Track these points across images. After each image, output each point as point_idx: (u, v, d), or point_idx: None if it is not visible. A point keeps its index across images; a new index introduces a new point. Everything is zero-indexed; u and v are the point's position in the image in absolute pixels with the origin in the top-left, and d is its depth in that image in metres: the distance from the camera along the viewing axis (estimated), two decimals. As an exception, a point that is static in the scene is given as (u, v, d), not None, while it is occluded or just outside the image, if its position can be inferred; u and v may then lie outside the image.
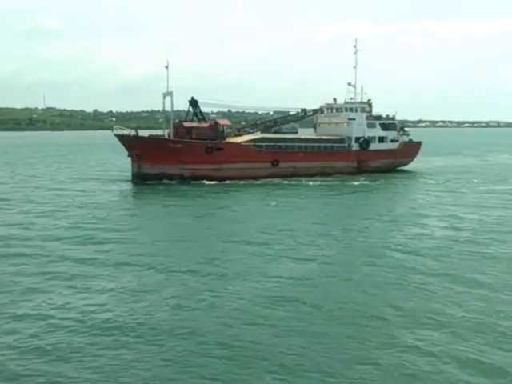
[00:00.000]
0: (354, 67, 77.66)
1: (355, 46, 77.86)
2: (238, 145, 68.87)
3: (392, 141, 78.52)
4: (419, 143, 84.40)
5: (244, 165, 67.03)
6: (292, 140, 73.01)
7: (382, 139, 77.44)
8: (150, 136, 69.57)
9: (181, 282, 25.28)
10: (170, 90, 68.01)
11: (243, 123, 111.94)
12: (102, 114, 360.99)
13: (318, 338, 18.77)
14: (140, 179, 64.72)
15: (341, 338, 18.88)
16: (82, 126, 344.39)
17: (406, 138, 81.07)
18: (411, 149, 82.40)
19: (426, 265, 28.13)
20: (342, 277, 26.13)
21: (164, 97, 68.97)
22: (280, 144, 71.00)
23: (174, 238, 35.25)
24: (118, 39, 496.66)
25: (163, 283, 25.17)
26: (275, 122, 79.68)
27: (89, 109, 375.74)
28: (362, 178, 68.30)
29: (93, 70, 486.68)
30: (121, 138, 66.55)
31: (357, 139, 75.13)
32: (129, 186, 63.52)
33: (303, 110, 78.82)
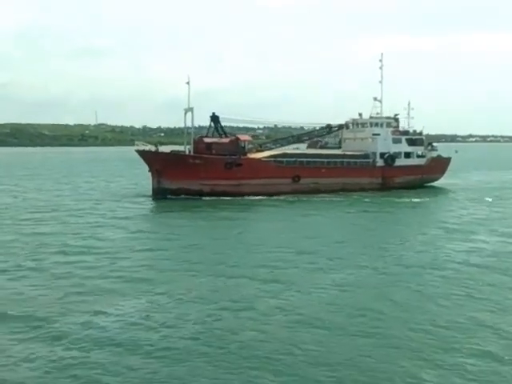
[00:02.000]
0: (380, 82, 76.52)
1: (381, 61, 76.68)
2: (258, 160, 68.60)
3: (419, 156, 76.66)
4: (448, 159, 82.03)
5: (264, 181, 66.54)
6: (314, 156, 72.19)
7: (408, 155, 75.70)
8: (171, 151, 70.14)
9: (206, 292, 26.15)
10: (190, 106, 68.67)
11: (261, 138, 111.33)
12: (151, 129, 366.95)
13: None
14: (160, 195, 65.10)
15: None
16: (131, 142, 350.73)
17: (434, 154, 78.89)
18: (439, 164, 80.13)
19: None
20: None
21: (185, 113, 69.56)
22: (301, 159, 70.33)
23: (197, 258, 34.19)
24: (167, 55, 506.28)
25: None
26: (298, 138, 79.06)
27: (138, 125, 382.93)
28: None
29: (142, 87, 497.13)
30: (141, 153, 67.29)
31: (382, 155, 73.68)
32: (148, 202, 63.88)
33: (328, 126, 77.97)
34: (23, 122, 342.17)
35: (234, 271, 30.04)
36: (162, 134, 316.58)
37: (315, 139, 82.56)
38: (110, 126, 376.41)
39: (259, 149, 74.49)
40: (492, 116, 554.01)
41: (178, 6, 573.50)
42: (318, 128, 78.57)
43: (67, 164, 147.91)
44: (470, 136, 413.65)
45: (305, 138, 79.90)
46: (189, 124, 69.68)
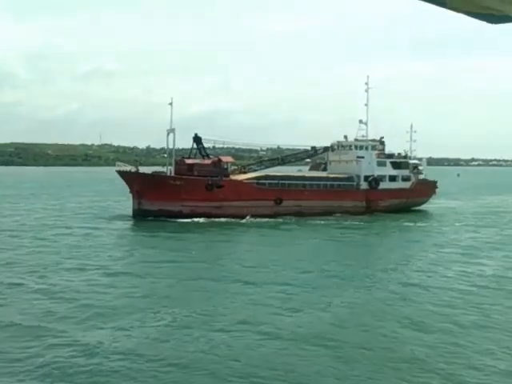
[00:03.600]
0: (366, 105, 76.11)
1: (366, 84, 76.43)
2: (240, 182, 68.19)
3: (404, 180, 75.97)
4: (434, 182, 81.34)
5: (245, 203, 66.00)
6: (296, 178, 71.71)
7: (393, 178, 75.09)
8: (152, 172, 69.92)
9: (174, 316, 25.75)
10: (172, 127, 68.66)
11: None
12: (154, 150, 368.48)
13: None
14: (140, 216, 64.63)
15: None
16: (135, 163, 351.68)
17: (420, 177, 78.28)
18: (425, 188, 79.45)
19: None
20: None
21: (168, 134, 69.52)
22: (284, 182, 69.85)
23: (171, 280, 33.78)
24: (174, 78, 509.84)
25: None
26: (283, 160, 78.65)
27: (142, 145, 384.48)
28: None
29: (148, 109, 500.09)
30: (121, 174, 67.07)
31: (366, 178, 73.08)
32: (128, 224, 63.39)
33: (313, 148, 77.61)
34: (28, 141, 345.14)
35: (214, 296, 29.71)
36: (165, 155, 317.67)
37: (318, 161, 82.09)
38: (114, 146, 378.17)
39: (243, 170, 74.16)
40: (494, 140, 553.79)
41: (190, 32, 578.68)
42: (302, 150, 78.28)
43: (60, 184, 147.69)
44: (473, 160, 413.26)
45: (289, 160, 79.38)
46: (171, 145, 69.56)
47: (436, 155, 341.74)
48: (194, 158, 70.10)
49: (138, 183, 65.17)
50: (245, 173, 72.83)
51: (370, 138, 76.13)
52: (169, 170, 69.17)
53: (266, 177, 70.10)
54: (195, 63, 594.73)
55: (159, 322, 24.91)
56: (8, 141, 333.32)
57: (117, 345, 21.77)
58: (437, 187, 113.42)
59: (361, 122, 76.32)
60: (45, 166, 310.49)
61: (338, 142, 76.82)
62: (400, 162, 76.35)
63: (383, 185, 73.70)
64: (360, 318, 25.92)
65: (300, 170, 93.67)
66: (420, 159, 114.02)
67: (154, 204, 64.43)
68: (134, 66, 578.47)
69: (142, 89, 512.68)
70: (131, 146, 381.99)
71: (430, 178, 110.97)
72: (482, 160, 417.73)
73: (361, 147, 74.59)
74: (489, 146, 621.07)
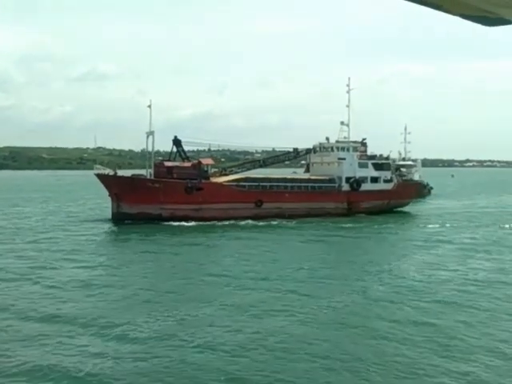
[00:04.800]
0: (347, 106, 75.83)
1: (348, 85, 76.19)
2: (220, 184, 67.85)
3: (386, 181, 75.61)
4: (417, 184, 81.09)
5: (225, 205, 65.67)
6: (277, 180, 71.34)
7: (375, 179, 74.70)
8: (132, 175, 69.59)
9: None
10: (152, 130, 68.35)
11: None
12: (149, 153, 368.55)
13: None
14: (119, 219, 64.24)
15: None
16: (130, 166, 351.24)
17: (414, 178, 78.03)
18: (408, 189, 79.07)
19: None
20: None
21: (147, 136, 69.25)
22: (264, 184, 69.49)
23: (150, 285, 33.55)
24: (169, 81, 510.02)
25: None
26: (264, 162, 78.26)
27: (137, 148, 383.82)
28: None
29: (143, 111, 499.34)
30: (100, 177, 66.71)
31: (347, 179, 72.75)
32: (105, 227, 62.93)
33: (295, 150, 77.29)
34: (22, 145, 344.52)
35: (195, 300, 29.39)
36: (160, 158, 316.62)
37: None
38: (108, 149, 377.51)
39: (224, 173, 73.77)
40: (489, 141, 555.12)
41: (186, 34, 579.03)
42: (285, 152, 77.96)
43: (48, 187, 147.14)
44: (468, 161, 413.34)
45: (270, 162, 78.99)
46: (150, 148, 69.27)
47: (431, 156, 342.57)
48: (174, 160, 69.77)
49: (116, 186, 64.81)
50: (226, 175, 72.46)
51: (352, 139, 75.84)
52: (148, 172, 68.88)
53: (246, 179, 69.73)
54: (191, 65, 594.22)
55: (137, 329, 24.41)
56: (1, 145, 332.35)
57: (93, 355, 21.37)
58: (432, 188, 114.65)
59: (342, 123, 76.10)
60: (39, 169, 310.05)
61: (320, 143, 76.54)
62: (382, 164, 76.01)
63: (365, 186, 73.33)
64: (343, 319, 25.87)
65: (295, 172, 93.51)
66: (415, 160, 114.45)
67: (133, 207, 64.09)
68: (128, 68, 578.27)
69: (136, 91, 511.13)
70: (126, 148, 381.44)
71: (424, 179, 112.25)
72: (477, 161, 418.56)
73: (342, 149, 74.27)
74: (483, 147, 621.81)
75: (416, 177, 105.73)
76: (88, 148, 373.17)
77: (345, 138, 76.03)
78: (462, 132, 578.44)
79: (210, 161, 73.27)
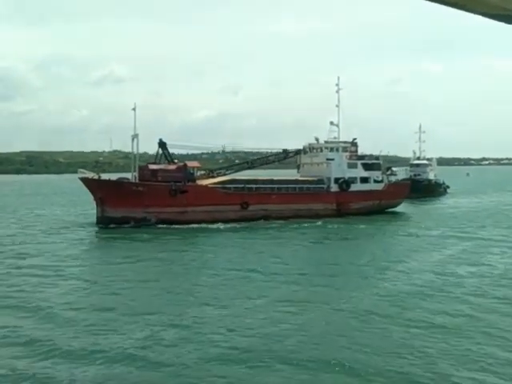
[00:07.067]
0: (337, 106, 74.83)
1: (337, 85, 75.17)
2: (204, 187, 67.28)
3: (376, 181, 74.34)
4: (408, 184, 79.63)
5: (210, 207, 65.08)
6: (264, 181, 70.51)
7: (365, 180, 73.51)
8: (118, 179, 69.35)
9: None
10: (136, 133, 68.14)
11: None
12: (134, 156, 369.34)
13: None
14: (104, 223, 63.94)
15: None
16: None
17: (393, 179, 76.64)
18: (399, 190, 77.66)
19: None
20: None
21: (132, 139, 69.05)
22: (250, 186, 68.75)
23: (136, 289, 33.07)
24: (184, 83, 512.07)
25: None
26: (252, 163, 77.41)
27: (152, 151, 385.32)
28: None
29: (158, 113, 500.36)
30: (84, 181, 66.54)
31: (336, 180, 71.69)
32: (91, 231, 62.70)
33: (285, 151, 76.43)
34: (40, 149, 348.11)
35: (183, 305, 28.96)
36: (176, 161, 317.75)
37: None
38: (124, 152, 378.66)
39: (211, 175, 73.16)
40: (506, 139, 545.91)
41: (201, 36, 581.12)
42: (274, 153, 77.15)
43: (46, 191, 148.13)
44: (484, 159, 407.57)
45: (259, 163, 78.14)
46: (135, 150, 69.06)
47: (446, 155, 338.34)
48: (159, 163, 69.44)
49: (100, 190, 64.59)
50: (213, 177, 71.85)
51: (341, 139, 74.81)
52: (133, 176, 68.59)
53: (232, 181, 69.06)
54: (206, 67, 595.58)
55: (126, 334, 24.01)
56: (18, 150, 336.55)
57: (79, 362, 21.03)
58: (448, 187, 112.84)
59: (332, 123, 75.07)
60: (57, 173, 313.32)
61: (310, 144, 75.63)
62: (372, 164, 74.73)
63: (354, 187, 72.20)
64: (343, 319, 25.76)
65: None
66: (430, 159, 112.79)
67: (118, 211, 63.70)
68: (144, 71, 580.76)
69: (152, 94, 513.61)
70: (141, 151, 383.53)
71: (440, 178, 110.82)
72: (493, 159, 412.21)
73: (331, 149, 73.25)
74: (500, 145, 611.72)
75: (431, 176, 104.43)
76: (104, 151, 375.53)
77: (334, 138, 75.00)
78: (478, 131, 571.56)
79: (195, 163, 72.76)
